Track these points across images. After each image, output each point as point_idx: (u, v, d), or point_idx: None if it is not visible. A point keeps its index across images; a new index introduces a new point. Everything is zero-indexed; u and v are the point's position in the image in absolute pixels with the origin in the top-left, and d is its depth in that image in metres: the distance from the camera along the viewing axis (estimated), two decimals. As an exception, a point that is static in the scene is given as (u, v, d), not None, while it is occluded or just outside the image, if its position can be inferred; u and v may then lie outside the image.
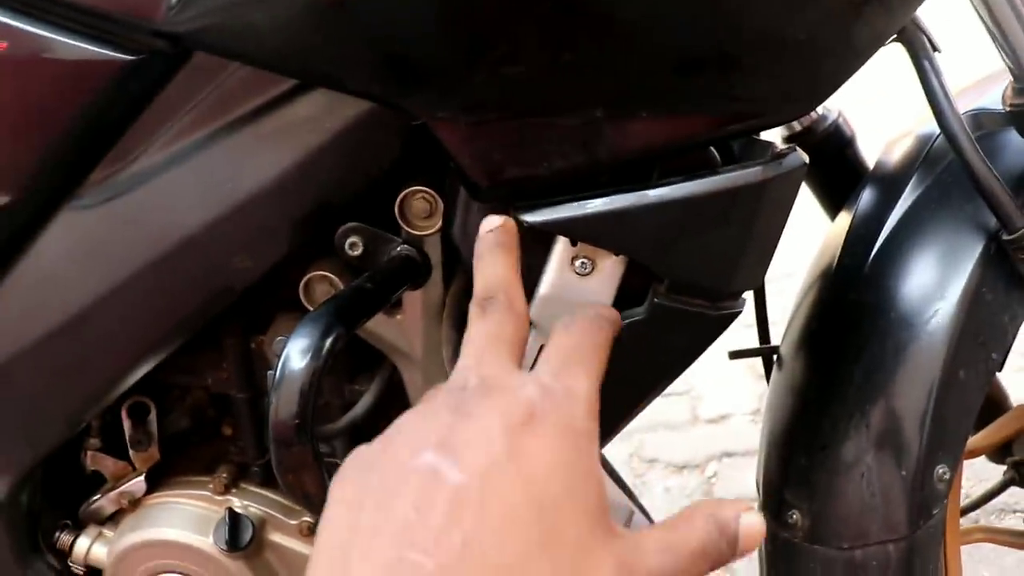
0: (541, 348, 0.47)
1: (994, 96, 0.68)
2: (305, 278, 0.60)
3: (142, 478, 0.73)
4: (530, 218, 0.51)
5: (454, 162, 0.50)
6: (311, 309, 0.61)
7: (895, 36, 0.62)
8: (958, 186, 0.65)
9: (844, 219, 0.72)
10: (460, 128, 0.48)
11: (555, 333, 0.43)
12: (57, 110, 0.57)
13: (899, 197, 0.67)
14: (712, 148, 0.52)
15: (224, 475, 0.72)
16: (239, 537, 0.69)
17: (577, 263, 0.52)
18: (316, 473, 0.49)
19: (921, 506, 0.61)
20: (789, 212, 0.53)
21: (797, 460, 0.65)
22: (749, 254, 0.52)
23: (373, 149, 0.55)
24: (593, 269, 0.52)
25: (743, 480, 1.44)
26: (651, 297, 0.53)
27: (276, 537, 0.71)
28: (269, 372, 0.59)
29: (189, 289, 0.60)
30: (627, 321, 0.53)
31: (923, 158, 0.68)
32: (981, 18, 0.60)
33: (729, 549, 0.35)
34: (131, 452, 0.72)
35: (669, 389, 0.59)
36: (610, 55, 0.47)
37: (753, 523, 0.36)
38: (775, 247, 0.54)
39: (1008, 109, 0.62)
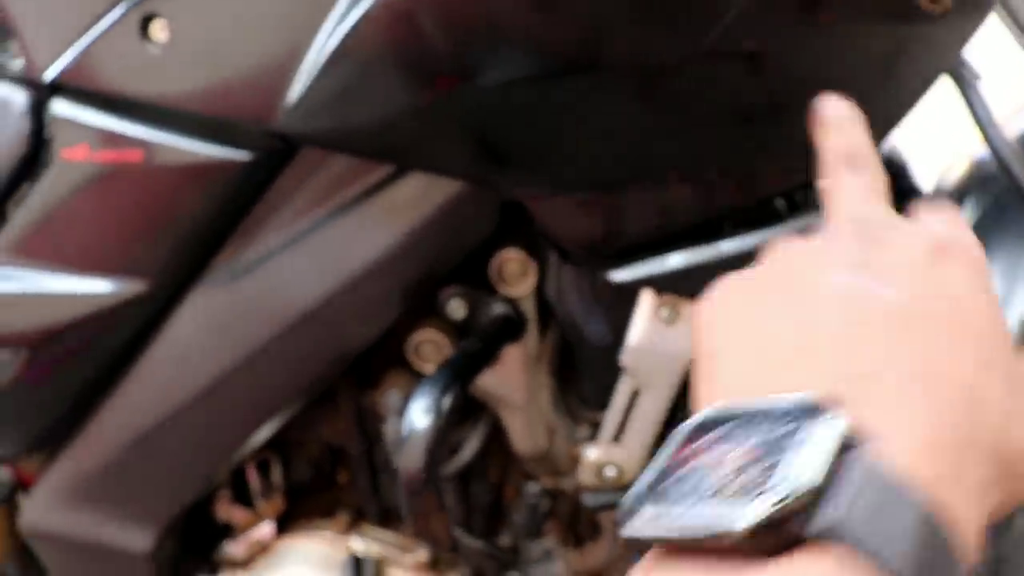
0: (635, 395, 0.52)
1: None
2: (413, 341, 0.67)
3: (271, 524, 0.80)
4: (617, 276, 0.56)
5: (544, 232, 0.56)
6: (419, 367, 0.68)
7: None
8: (1013, 206, 0.69)
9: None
10: (548, 202, 0.54)
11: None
12: (185, 206, 0.64)
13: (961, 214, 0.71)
14: (776, 201, 0.57)
15: (344, 518, 0.78)
16: (362, 574, 0.75)
17: (663, 313, 0.57)
18: (441, 516, 0.54)
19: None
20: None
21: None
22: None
23: (468, 222, 0.61)
24: (676, 317, 0.57)
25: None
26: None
27: (395, 573, 0.77)
28: (386, 426, 0.66)
29: (308, 358, 0.67)
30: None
31: (977, 180, 0.72)
32: (1017, 39, 0.64)
33: None
34: (258, 502, 0.79)
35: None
36: (677, 128, 0.52)
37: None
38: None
39: (1056, 134, 0.65)
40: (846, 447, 0.25)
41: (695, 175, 0.53)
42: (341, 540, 0.78)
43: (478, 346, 0.60)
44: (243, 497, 0.80)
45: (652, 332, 0.57)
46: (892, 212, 0.37)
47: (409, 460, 0.54)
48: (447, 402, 0.55)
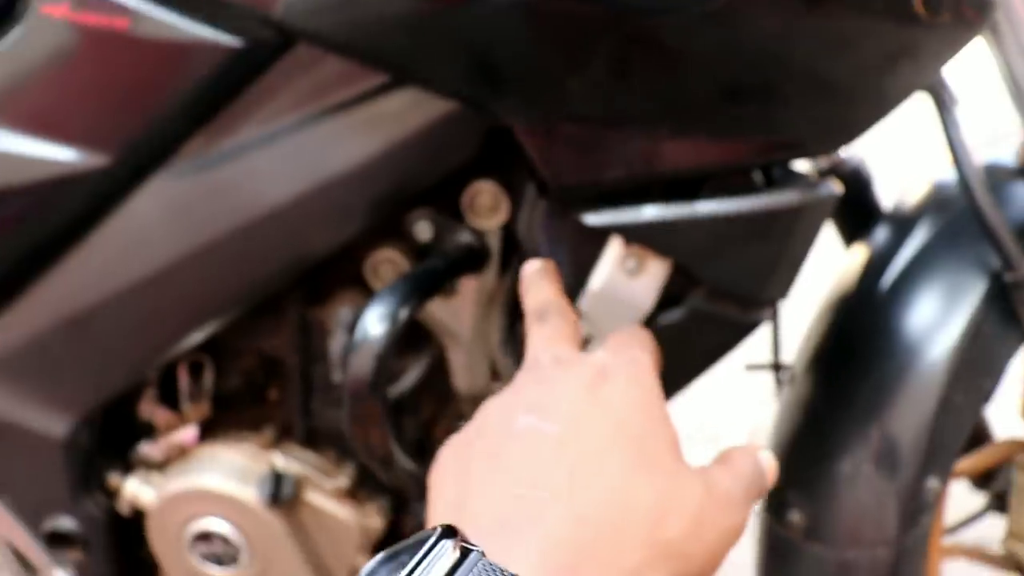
0: (587, 341, 0.53)
1: (1005, 152, 0.75)
2: (373, 259, 0.66)
3: (193, 429, 0.78)
4: (591, 219, 0.57)
5: (529, 162, 0.56)
6: (375, 286, 0.67)
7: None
8: (966, 230, 0.72)
9: (859, 253, 0.78)
10: (539, 132, 0.54)
11: (608, 336, 0.49)
12: (164, 85, 0.62)
13: (911, 235, 0.74)
14: (755, 173, 0.59)
15: (269, 434, 0.77)
16: (280, 491, 0.75)
17: (627, 263, 0.58)
18: (383, 428, 0.54)
19: (911, 514, 0.67)
20: (818, 234, 0.59)
21: (803, 464, 0.71)
22: (781, 268, 0.58)
23: (451, 145, 0.61)
24: (641, 270, 0.58)
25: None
26: (690, 300, 0.59)
27: (313, 497, 0.77)
28: (331, 342, 0.65)
29: (262, 260, 0.66)
30: (666, 321, 0.60)
31: (937, 202, 0.75)
32: (1003, 76, 0.67)
33: (766, 481, 0.41)
34: (185, 405, 0.78)
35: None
36: (672, 80, 0.53)
37: (771, 460, 0.42)
38: (802, 264, 0.60)
39: (1020, 161, 0.68)
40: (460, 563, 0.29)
41: (684, 131, 0.54)
42: (263, 455, 0.77)
43: (439, 267, 0.60)
44: (169, 399, 0.79)
45: (615, 280, 0.58)
46: (573, 352, 0.44)
47: (359, 365, 0.54)
48: (403, 313, 0.55)
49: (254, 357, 0.78)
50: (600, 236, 0.58)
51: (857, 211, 0.85)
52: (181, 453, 0.79)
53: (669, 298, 0.59)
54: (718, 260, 0.57)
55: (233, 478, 0.77)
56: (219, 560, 0.79)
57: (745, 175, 0.58)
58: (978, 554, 0.81)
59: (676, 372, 0.61)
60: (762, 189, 0.58)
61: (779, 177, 0.60)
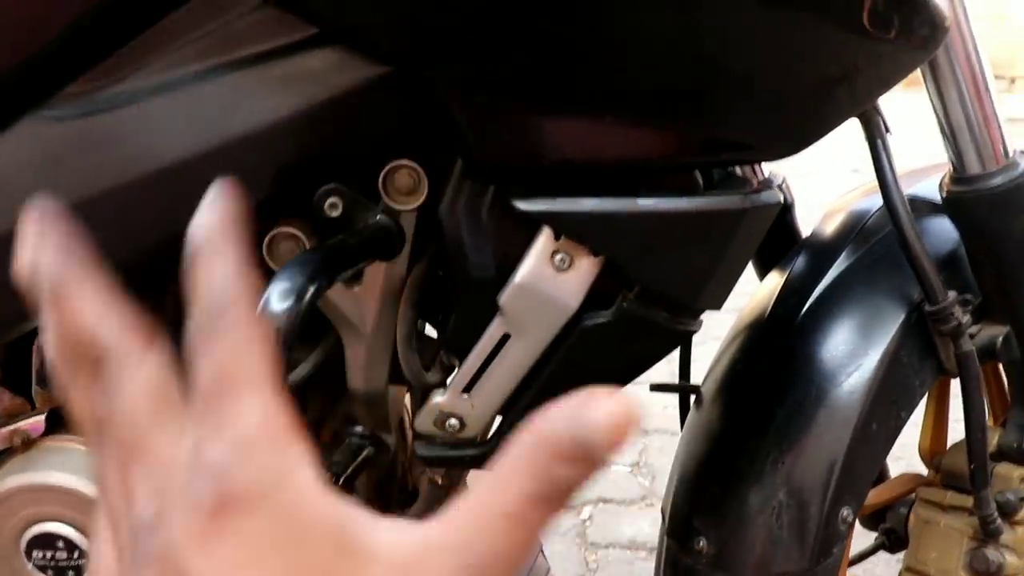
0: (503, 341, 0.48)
1: (924, 186, 0.75)
2: (271, 233, 0.60)
3: (41, 418, 0.69)
4: (523, 205, 0.52)
5: (457, 141, 0.51)
6: (271, 264, 0.61)
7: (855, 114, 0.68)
8: (888, 259, 0.71)
9: (775, 279, 0.76)
10: (477, 105, 0.50)
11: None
12: (50, 16, 0.55)
13: (833, 261, 0.72)
14: (696, 173, 0.56)
15: (133, 427, 0.69)
16: (140, 493, 0.66)
17: (556, 258, 0.54)
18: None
19: (823, 544, 0.64)
20: (758, 242, 0.56)
21: (711, 489, 0.68)
22: (718, 275, 0.55)
23: (373, 114, 0.55)
24: (570, 266, 0.54)
25: (616, 526, 1.47)
26: (619, 302, 0.55)
27: (177, 499, 0.69)
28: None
29: (148, 223, 0.58)
30: (593, 322, 0.55)
31: (858, 231, 0.74)
32: (935, 110, 0.66)
33: (578, 475, 0.24)
34: (34, 389, 0.69)
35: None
36: (619, 65, 0.49)
37: (605, 409, 0.24)
38: (740, 274, 0.57)
39: (945, 195, 0.68)
40: None
41: (628, 119, 0.51)
42: (122, 452, 0.69)
43: (350, 245, 0.54)
44: (16, 381, 0.69)
45: (542, 274, 0.54)
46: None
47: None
48: (311, 290, 0.49)
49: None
50: (529, 226, 0.54)
51: (775, 237, 0.84)
52: (24, 445, 0.69)
53: (596, 299, 0.55)
54: (653, 261, 0.53)
55: (84, 474, 0.68)
56: (59, 571, 0.70)
57: (686, 174, 0.55)
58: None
59: (601, 376, 0.57)
60: (699, 190, 0.55)
61: (720, 181, 0.57)
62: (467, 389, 0.59)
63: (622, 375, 0.58)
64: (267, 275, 0.58)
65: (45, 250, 0.25)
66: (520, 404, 0.60)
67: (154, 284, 0.66)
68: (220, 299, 0.25)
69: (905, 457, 0.91)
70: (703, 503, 0.69)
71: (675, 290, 0.54)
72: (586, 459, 0.24)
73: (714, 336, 0.78)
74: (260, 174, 0.57)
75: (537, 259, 0.54)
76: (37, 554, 0.69)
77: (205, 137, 0.55)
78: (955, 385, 0.72)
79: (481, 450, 0.62)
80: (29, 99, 0.56)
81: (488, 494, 0.25)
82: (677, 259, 0.53)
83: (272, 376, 0.25)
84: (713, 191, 0.54)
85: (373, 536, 0.25)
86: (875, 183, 0.80)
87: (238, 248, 0.25)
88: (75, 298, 0.25)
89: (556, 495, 0.24)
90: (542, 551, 0.65)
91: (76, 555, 0.69)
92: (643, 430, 1.68)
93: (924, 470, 0.85)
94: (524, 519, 0.24)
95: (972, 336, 0.67)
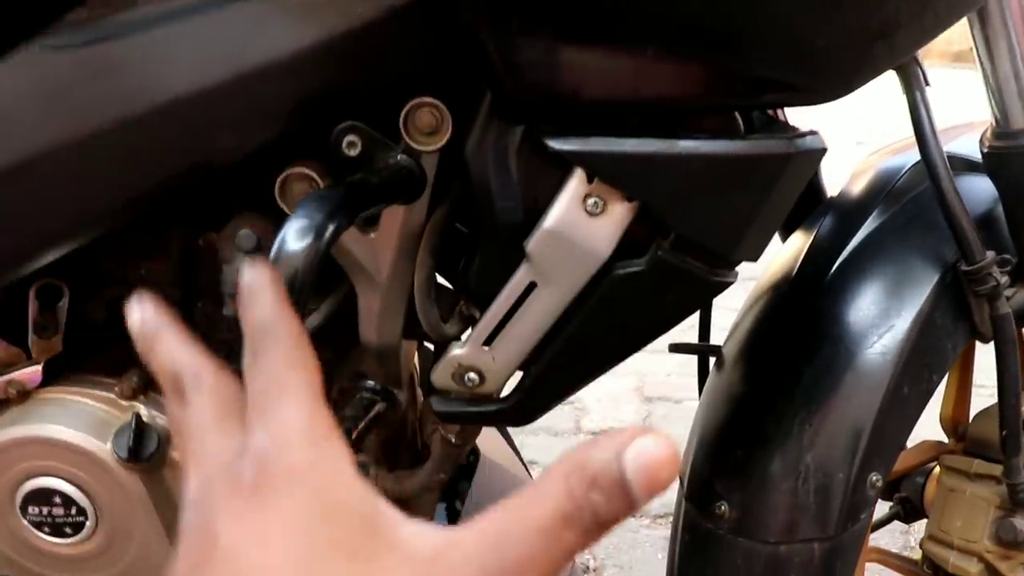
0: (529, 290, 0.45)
1: (960, 143, 0.72)
2: (284, 174, 0.56)
3: (38, 368, 0.66)
4: (555, 144, 0.49)
5: (486, 75, 0.48)
6: (283, 206, 0.58)
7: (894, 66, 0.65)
8: (921, 217, 0.68)
9: (800, 239, 0.74)
10: (509, 34, 0.47)
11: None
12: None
13: (864, 220, 0.70)
14: (737, 116, 0.53)
15: (134, 379, 0.66)
16: (143, 447, 0.63)
17: (589, 202, 0.51)
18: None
19: (851, 510, 0.62)
20: (800, 191, 0.54)
21: (733, 452, 0.66)
22: (758, 224, 0.52)
23: (396, 47, 0.52)
24: (603, 211, 0.51)
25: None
26: (654, 251, 0.52)
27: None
28: (227, 270, 0.55)
29: (156, 159, 0.55)
30: (625, 271, 0.53)
31: (890, 189, 0.71)
32: (980, 63, 0.64)
33: (614, 508, 0.26)
34: (31, 338, 0.66)
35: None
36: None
37: (647, 456, 0.25)
38: (779, 225, 0.54)
39: (986, 150, 0.65)
40: None
41: (670, 53, 0.48)
42: (123, 406, 0.66)
43: (371, 183, 0.51)
44: (12, 328, 0.66)
45: (573, 219, 0.51)
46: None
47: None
48: (331, 228, 0.46)
49: (123, 285, 0.66)
50: (561, 168, 0.51)
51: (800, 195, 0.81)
52: (20, 396, 0.66)
53: (629, 247, 0.53)
54: (691, 207, 0.51)
55: (83, 428, 0.65)
56: (56, 528, 0.67)
57: (727, 117, 0.52)
58: (896, 560, 0.78)
59: (633, 327, 0.54)
60: (740, 134, 0.52)
61: (761, 126, 0.54)
62: (488, 341, 0.57)
63: (651, 329, 0.55)
64: (279, 219, 0.55)
65: (144, 313, 0.37)
66: (543, 359, 0.57)
67: (156, 224, 0.63)
68: (266, 324, 0.32)
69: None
70: (725, 467, 0.66)
71: (713, 239, 0.52)
72: (623, 494, 0.25)
73: (730, 307, 0.75)
74: (276, 108, 0.53)
75: (568, 203, 0.51)
76: (33, 510, 0.66)
77: (218, 68, 0.52)
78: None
79: (499, 407, 0.60)
80: (26, 27, 0.53)
81: (522, 506, 0.27)
82: (716, 206, 0.51)
83: (313, 385, 0.30)
84: (756, 135, 0.52)
85: (400, 528, 0.28)
86: (903, 142, 0.78)
87: (278, 287, 0.33)
88: (164, 343, 0.36)
89: (589, 522, 0.26)
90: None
91: (73, 511, 0.66)
92: (647, 397, 1.66)
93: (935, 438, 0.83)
94: (555, 537, 0.26)
95: (1008, 299, 0.65)
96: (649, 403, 1.65)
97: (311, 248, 0.45)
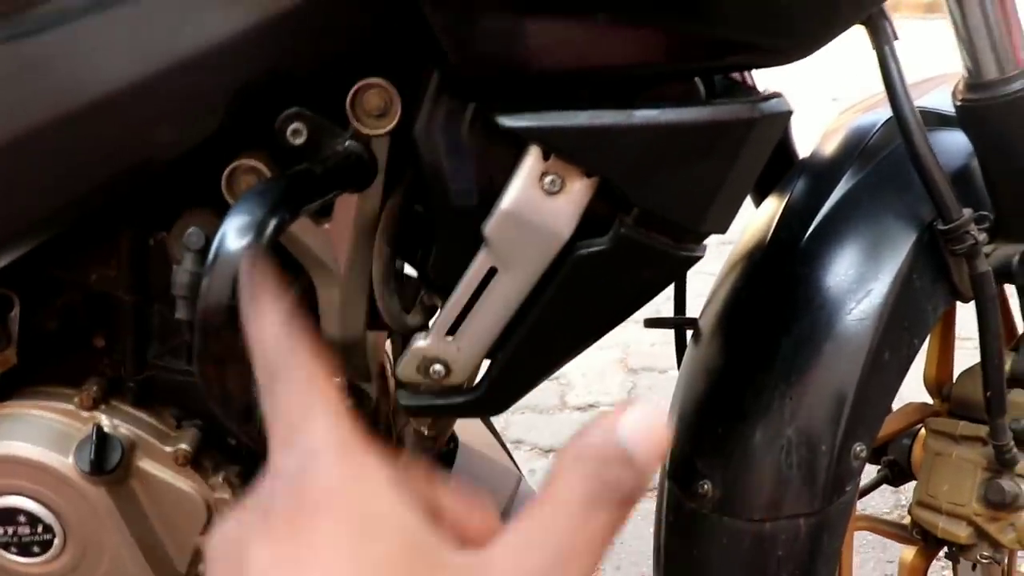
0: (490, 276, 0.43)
1: (932, 97, 0.70)
2: (230, 167, 0.54)
3: (-7, 382, 0.63)
4: (507, 121, 0.47)
5: (436, 45, 0.46)
6: (231, 202, 0.55)
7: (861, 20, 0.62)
8: (895, 177, 0.66)
9: (773, 203, 0.72)
10: (453, 5, 0.44)
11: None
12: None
13: (837, 182, 0.68)
14: (697, 81, 0.51)
15: (93, 389, 0.64)
16: (105, 459, 0.61)
17: (546, 180, 0.49)
18: (242, 368, 0.43)
19: (836, 482, 0.61)
20: (767, 157, 0.52)
21: (713, 429, 0.64)
22: (724, 194, 0.50)
23: (338, 24, 0.50)
24: (561, 188, 0.49)
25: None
26: (617, 227, 0.50)
27: (146, 464, 0.64)
28: (176, 270, 0.53)
29: (95, 158, 0.53)
30: (588, 251, 0.51)
31: (862, 148, 0.69)
32: (950, 12, 0.61)
33: (628, 478, 0.27)
34: (-14, 351, 0.63)
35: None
36: None
37: (637, 424, 0.27)
38: (746, 194, 0.52)
39: (959, 103, 0.63)
40: None
41: (622, 18, 0.45)
42: (83, 417, 0.64)
43: (316, 172, 0.49)
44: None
45: (530, 199, 0.49)
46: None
47: (215, 287, 0.42)
48: (272, 223, 0.43)
49: (76, 292, 0.64)
50: (515, 146, 0.49)
51: (771, 158, 0.79)
52: (-25, 411, 0.64)
53: (591, 225, 0.51)
54: (653, 180, 0.48)
55: (43, 443, 0.63)
56: (23, 548, 0.65)
57: (687, 83, 0.50)
58: (885, 526, 0.77)
59: (600, 308, 0.52)
60: (701, 99, 0.50)
61: (723, 90, 0.52)
62: (452, 331, 0.54)
63: (620, 309, 0.53)
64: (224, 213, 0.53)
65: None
66: (509, 345, 0.55)
67: (105, 228, 0.60)
68: (278, 344, 0.29)
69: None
70: (706, 443, 0.65)
71: (677, 212, 0.49)
72: (630, 461, 0.26)
73: (707, 271, 0.73)
74: (213, 99, 0.51)
75: (524, 182, 0.48)
76: (-3, 530, 0.64)
77: (151, 59, 0.49)
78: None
79: (468, 397, 0.58)
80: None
81: (544, 503, 0.27)
82: (679, 177, 0.48)
83: (336, 402, 0.29)
84: (718, 100, 0.49)
85: (441, 544, 0.27)
86: (874, 98, 0.76)
87: (280, 302, 0.30)
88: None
89: (611, 497, 0.26)
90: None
91: (40, 529, 0.64)
92: (631, 369, 1.65)
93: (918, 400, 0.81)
94: (586, 520, 0.26)
95: (987, 256, 0.63)
96: (634, 374, 1.63)
97: (251, 247, 0.42)
